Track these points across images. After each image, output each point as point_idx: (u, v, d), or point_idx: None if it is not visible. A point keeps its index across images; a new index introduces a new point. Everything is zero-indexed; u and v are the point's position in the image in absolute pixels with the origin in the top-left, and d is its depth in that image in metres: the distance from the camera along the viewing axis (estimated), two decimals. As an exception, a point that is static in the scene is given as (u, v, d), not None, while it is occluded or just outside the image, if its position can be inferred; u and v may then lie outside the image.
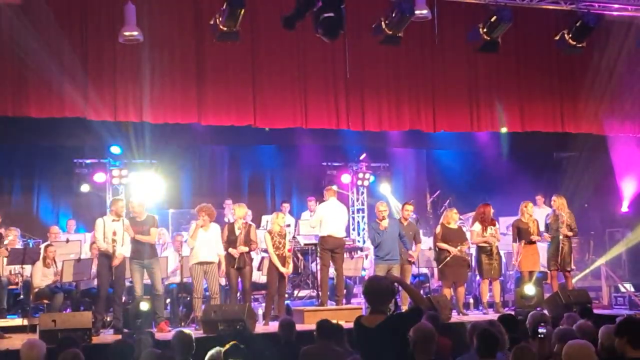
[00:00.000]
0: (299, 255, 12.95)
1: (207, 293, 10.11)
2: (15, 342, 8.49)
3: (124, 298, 10.14)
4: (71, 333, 7.92)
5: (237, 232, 10.13)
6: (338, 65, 12.10)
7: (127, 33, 10.38)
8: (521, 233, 11.16)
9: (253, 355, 5.47)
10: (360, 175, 15.72)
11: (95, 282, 10.17)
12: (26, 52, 10.26)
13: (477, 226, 11.14)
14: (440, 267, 11.08)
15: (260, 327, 9.70)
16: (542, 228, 11.44)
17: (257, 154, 16.37)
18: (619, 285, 12.50)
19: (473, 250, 11.52)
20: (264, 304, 10.66)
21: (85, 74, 10.74)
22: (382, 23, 10.87)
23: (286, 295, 11.34)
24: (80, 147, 13.53)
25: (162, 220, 12.11)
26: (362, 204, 15.81)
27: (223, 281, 10.55)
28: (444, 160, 17.08)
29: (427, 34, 12.29)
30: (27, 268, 10.41)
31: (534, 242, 11.15)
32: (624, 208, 14.49)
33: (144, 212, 10.07)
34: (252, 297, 10.87)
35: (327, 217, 10.75)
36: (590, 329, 5.92)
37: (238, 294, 10.35)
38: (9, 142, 12.57)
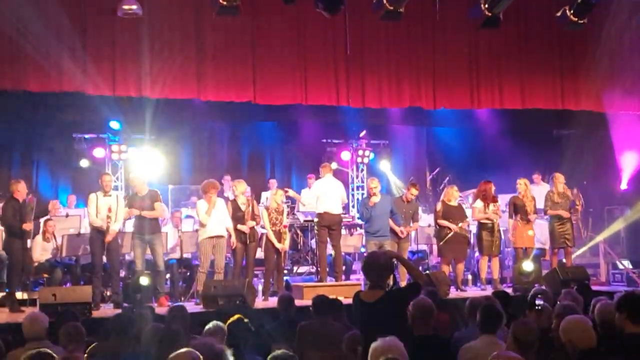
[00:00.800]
0: (298, 231, 12.98)
1: (211, 269, 10.14)
2: (16, 315, 8.54)
3: (123, 273, 10.16)
4: (71, 307, 7.97)
5: (243, 207, 10.17)
6: (338, 41, 12.05)
7: (126, 7, 10.33)
8: (517, 209, 11.18)
9: (254, 329, 5.50)
10: (360, 152, 15.73)
11: (95, 257, 10.19)
12: (25, 25, 10.20)
13: (479, 203, 11.16)
14: (440, 244, 11.10)
15: (259, 303, 9.73)
16: (540, 205, 11.45)
17: (256, 130, 16.36)
18: (617, 262, 12.54)
19: (473, 227, 11.54)
20: (263, 280, 10.70)
21: (84, 48, 10.70)
22: (383, -2, 10.81)
23: (285, 271, 11.38)
24: (80, 122, 13.51)
25: (161, 196, 12.10)
26: (362, 181, 15.82)
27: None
28: (444, 138, 17.07)
29: (427, 10, 12.25)
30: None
31: (529, 220, 11.15)
32: (623, 185, 14.51)
33: (144, 187, 10.06)
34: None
35: (323, 194, 10.74)
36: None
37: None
38: (8, 116, 12.54)
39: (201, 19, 11.34)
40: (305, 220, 12.71)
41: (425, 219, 12.69)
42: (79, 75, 10.63)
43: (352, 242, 12.31)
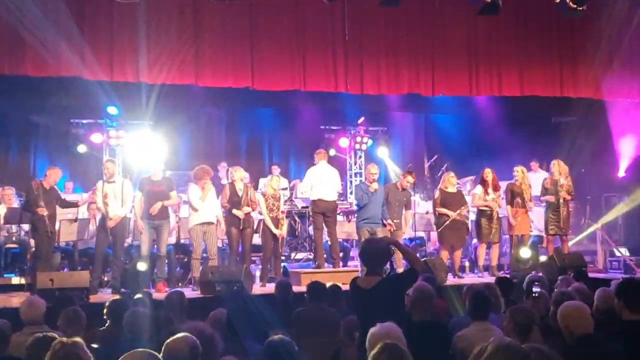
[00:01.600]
0: (296, 218, 12.99)
1: (205, 255, 10.16)
2: (13, 300, 8.54)
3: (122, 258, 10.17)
4: (69, 292, 7.97)
5: (240, 192, 10.17)
6: (337, 27, 11.99)
7: (123, -8, 10.27)
8: (514, 196, 11.18)
9: (252, 315, 5.50)
10: (358, 139, 15.71)
11: (94, 242, 10.20)
12: (21, 9, 10.14)
13: (479, 189, 11.18)
14: (438, 230, 11.11)
15: (257, 289, 9.76)
16: (537, 193, 11.45)
17: (254, 116, 16.33)
18: (614, 250, 12.55)
19: (473, 215, 11.55)
20: (260, 266, 10.72)
21: (82, 33, 10.63)
22: (382, -17, 10.77)
23: (283, 258, 11.39)
24: (77, 107, 13.46)
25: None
26: (360, 168, 15.82)
27: (220, 243, 10.59)
28: (442, 125, 17.05)
29: (427, -4, 12.19)
30: (25, 227, 10.44)
31: (523, 207, 11.16)
32: (621, 173, 14.50)
33: (158, 172, 10.17)
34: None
35: (317, 181, 10.74)
36: (586, 291, 5.96)
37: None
38: (6, 100, 12.50)
39: (199, 4, 11.27)
40: (302, 207, 12.71)
41: (424, 206, 12.70)
42: (77, 61, 10.56)
43: (350, 229, 12.31)
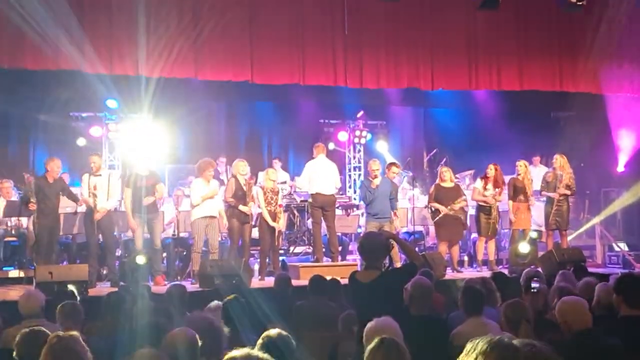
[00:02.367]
0: (295, 212, 12.99)
1: (205, 249, 10.16)
2: (12, 293, 8.55)
3: (120, 252, 10.17)
4: (67, 285, 7.97)
5: (244, 187, 10.19)
6: (336, 21, 11.97)
7: (123, -15, 10.25)
8: (517, 191, 11.18)
9: (250, 309, 5.51)
10: (357, 133, 15.69)
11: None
12: (21, 3, 10.12)
13: (479, 183, 11.19)
14: (434, 225, 11.12)
15: (256, 282, 9.76)
16: (537, 187, 11.46)
17: (254, 110, 16.32)
18: (613, 244, 12.57)
19: (472, 209, 11.55)
20: (259, 260, 10.72)
21: (81, 26, 10.61)
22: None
23: (282, 251, 11.38)
24: (77, 100, 13.44)
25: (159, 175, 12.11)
26: (359, 162, 15.82)
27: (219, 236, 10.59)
28: (441, 119, 17.04)
29: (426, -10, 12.17)
30: (24, 220, 10.45)
31: (526, 202, 11.16)
32: (620, 168, 14.50)
33: (145, 166, 10.18)
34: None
35: (315, 175, 10.73)
36: (592, 286, 5.93)
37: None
38: (5, 93, 12.46)
39: (198, -3, 11.27)
40: (301, 201, 12.71)
41: (423, 200, 12.69)
42: (76, 54, 10.54)
43: (349, 223, 12.31)
